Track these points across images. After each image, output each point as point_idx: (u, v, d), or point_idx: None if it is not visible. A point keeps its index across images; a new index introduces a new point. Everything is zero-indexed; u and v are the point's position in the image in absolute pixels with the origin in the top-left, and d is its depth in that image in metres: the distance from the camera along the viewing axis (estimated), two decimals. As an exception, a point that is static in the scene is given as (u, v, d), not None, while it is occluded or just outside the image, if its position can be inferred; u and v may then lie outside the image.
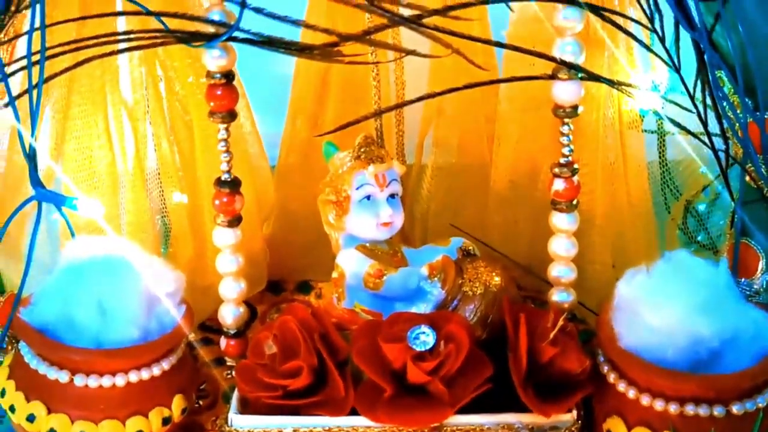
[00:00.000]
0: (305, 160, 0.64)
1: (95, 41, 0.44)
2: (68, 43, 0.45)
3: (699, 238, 0.58)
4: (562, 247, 0.52)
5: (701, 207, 0.57)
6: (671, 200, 0.58)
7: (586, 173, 0.55)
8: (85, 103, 0.51)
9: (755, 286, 0.53)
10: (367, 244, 0.55)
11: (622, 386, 0.49)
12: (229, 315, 0.53)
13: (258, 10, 0.41)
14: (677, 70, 0.47)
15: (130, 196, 0.55)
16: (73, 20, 0.45)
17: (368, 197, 0.54)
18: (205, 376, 0.57)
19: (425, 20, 0.42)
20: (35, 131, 0.45)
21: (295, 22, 0.41)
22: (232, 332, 0.54)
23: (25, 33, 0.44)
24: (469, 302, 0.53)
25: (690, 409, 0.46)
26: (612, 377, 0.49)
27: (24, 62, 0.45)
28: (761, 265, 0.53)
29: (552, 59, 0.47)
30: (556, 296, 0.53)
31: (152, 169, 0.58)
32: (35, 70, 0.43)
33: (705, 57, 0.46)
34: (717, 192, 0.56)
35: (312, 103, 0.62)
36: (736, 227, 0.52)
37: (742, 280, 0.54)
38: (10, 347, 0.54)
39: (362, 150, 0.54)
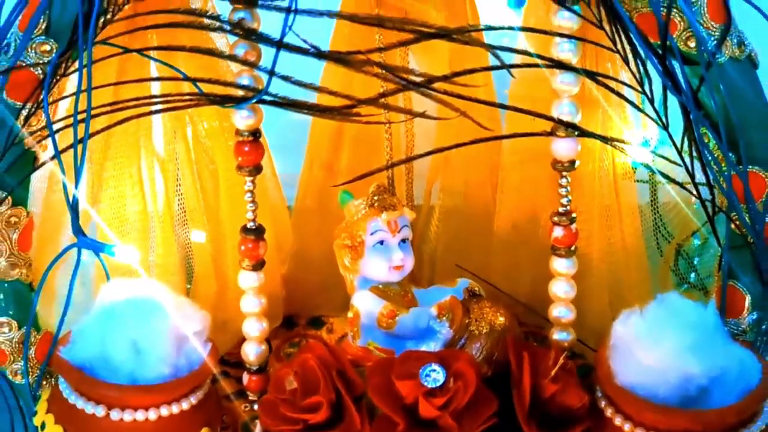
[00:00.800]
0: (321, 204, 0.68)
1: (135, 102, 0.49)
2: (110, 104, 0.49)
3: (690, 278, 0.62)
4: (561, 289, 0.56)
5: (691, 250, 0.61)
6: (663, 244, 0.62)
7: (583, 219, 0.59)
8: (120, 155, 0.55)
9: (742, 326, 0.57)
10: (380, 286, 0.59)
11: (618, 420, 0.52)
12: (252, 352, 0.57)
13: (285, 78, 0.45)
14: (665, 127, 0.51)
15: (159, 240, 0.59)
16: (116, 84, 0.49)
17: (381, 242, 0.58)
18: (225, 409, 0.61)
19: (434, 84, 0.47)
20: (79, 184, 0.49)
21: (319, 89, 0.46)
22: (254, 368, 0.57)
23: (72, 94, 0.48)
24: (475, 341, 0.57)
25: (681, 443, 0.50)
26: (609, 412, 0.53)
27: (67, 120, 0.50)
28: (747, 305, 0.57)
29: (550, 119, 0.51)
30: (557, 335, 0.57)
31: (179, 212, 0.62)
32: (80, 127, 0.48)
33: (690, 116, 0.50)
34: (705, 237, 0.60)
35: (327, 150, 0.66)
36: (723, 271, 0.56)
37: (730, 320, 0.57)
38: (45, 383, 0.58)
39: (375, 198, 0.59)
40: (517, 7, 0.63)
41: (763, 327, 0.58)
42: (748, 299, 0.56)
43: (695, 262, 0.61)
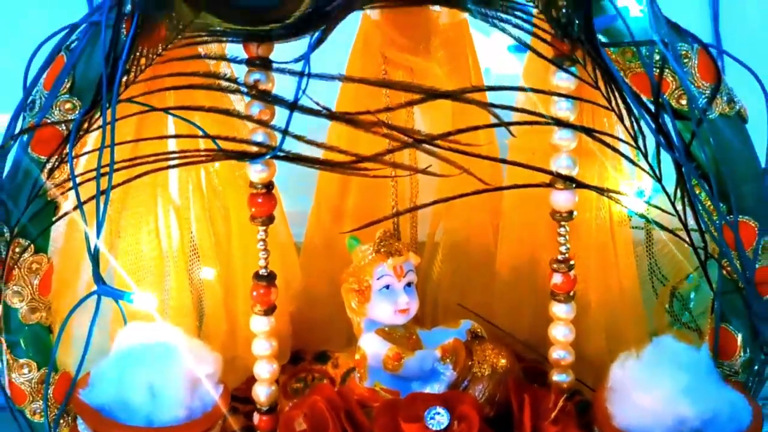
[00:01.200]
0: (328, 245, 0.70)
1: (155, 158, 0.51)
2: (130, 159, 0.52)
3: (684, 319, 0.65)
4: (561, 333, 0.58)
5: (685, 292, 0.64)
6: (659, 286, 0.65)
7: (582, 264, 0.62)
8: (138, 205, 0.58)
9: (735, 367, 0.59)
10: (386, 328, 0.62)
11: None
12: (263, 393, 0.59)
13: (299, 138, 0.48)
14: (659, 180, 0.53)
15: (173, 283, 0.62)
16: (137, 141, 0.52)
17: (387, 286, 0.61)
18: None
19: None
20: (100, 234, 0.51)
21: (330, 148, 0.48)
22: (265, 409, 0.59)
23: (95, 150, 0.51)
24: (478, 383, 0.59)
25: (676, 483, 0.52)
26: None
27: (89, 173, 0.53)
28: (739, 347, 0.59)
29: (549, 172, 0.53)
30: (556, 377, 0.59)
31: (192, 255, 0.65)
32: (102, 180, 0.50)
33: (683, 169, 0.53)
34: (698, 280, 0.62)
35: (335, 195, 0.69)
36: (715, 315, 0.58)
37: (723, 361, 0.60)
38: (63, 422, 0.60)
39: (382, 244, 0.61)
40: (517, 52, 0.66)
41: (755, 367, 0.60)
42: (739, 341, 0.59)
43: (689, 305, 0.63)
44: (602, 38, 0.52)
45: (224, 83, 0.49)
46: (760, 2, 0.81)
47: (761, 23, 0.82)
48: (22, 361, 0.58)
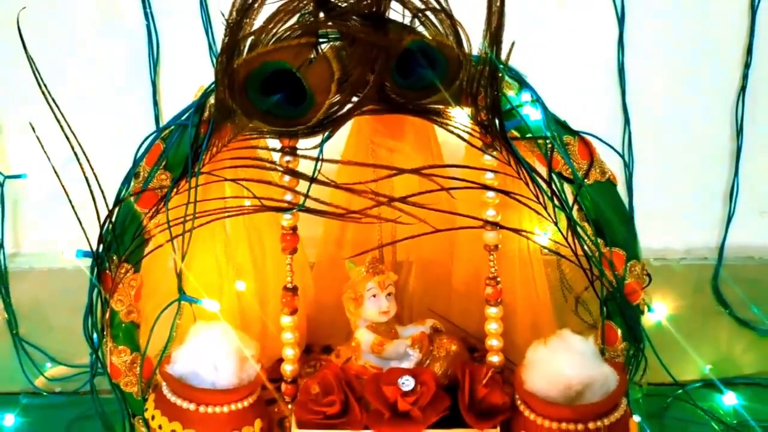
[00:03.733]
0: (332, 266, 0.95)
1: (220, 210, 0.77)
2: (204, 211, 0.77)
3: (585, 319, 0.90)
4: (492, 327, 0.83)
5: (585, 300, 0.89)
6: (567, 294, 0.91)
7: (510, 280, 0.87)
8: (204, 240, 0.83)
9: (616, 352, 0.83)
10: (374, 324, 0.86)
11: (527, 413, 0.78)
12: (288, 369, 0.84)
13: (317, 200, 0.73)
14: (556, 224, 0.78)
15: (226, 294, 0.87)
16: (210, 200, 0.77)
17: (374, 295, 0.86)
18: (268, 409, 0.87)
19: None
20: (183, 260, 0.77)
21: (337, 207, 0.74)
22: (290, 380, 0.85)
23: (183, 204, 0.76)
24: (436, 361, 0.84)
25: (564, 426, 0.77)
26: (521, 407, 0.79)
27: (175, 220, 0.78)
28: (619, 338, 0.84)
29: (482, 219, 0.79)
30: (490, 358, 0.84)
31: (236, 273, 0.91)
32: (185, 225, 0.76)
33: (570, 221, 0.78)
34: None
35: (337, 231, 0.94)
36: (602, 316, 0.83)
37: (609, 347, 0.85)
38: (149, 391, 0.85)
39: (370, 266, 0.86)
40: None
41: (630, 353, 0.85)
42: (619, 334, 0.84)
43: (588, 308, 0.89)
44: (516, 133, 0.77)
45: (267, 164, 0.75)
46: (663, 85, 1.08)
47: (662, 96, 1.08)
48: (121, 347, 0.83)
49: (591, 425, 0.76)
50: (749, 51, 1.05)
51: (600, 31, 1.04)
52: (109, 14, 1.04)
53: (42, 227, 1.13)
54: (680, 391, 1.11)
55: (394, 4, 0.68)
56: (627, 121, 1.08)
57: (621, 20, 1.04)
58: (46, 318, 1.13)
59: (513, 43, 0.69)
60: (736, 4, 1.03)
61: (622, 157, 0.81)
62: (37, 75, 0.72)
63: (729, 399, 1.10)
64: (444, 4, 0.68)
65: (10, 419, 1.09)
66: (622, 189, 0.82)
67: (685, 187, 1.11)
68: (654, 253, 1.12)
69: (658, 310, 1.08)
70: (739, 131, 1.08)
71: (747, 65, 1.06)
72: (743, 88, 1.07)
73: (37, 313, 1.12)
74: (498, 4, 0.66)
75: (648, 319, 1.08)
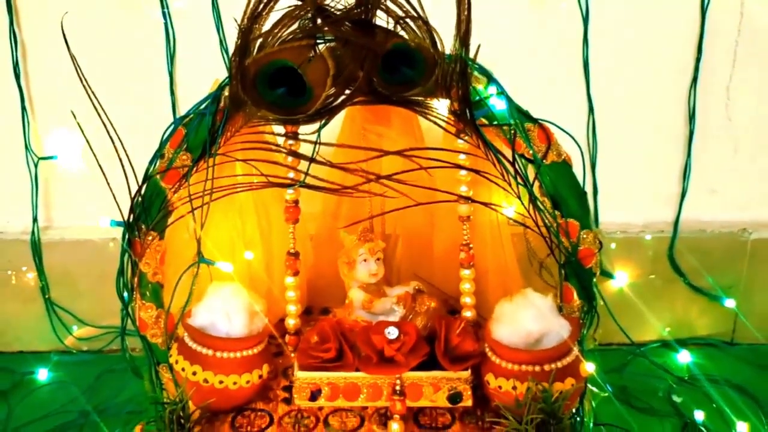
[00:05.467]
0: (329, 237, 1.09)
1: (232, 185, 0.90)
2: (218, 187, 0.90)
3: (547, 281, 1.04)
4: (465, 287, 0.97)
5: (547, 264, 1.02)
6: (532, 260, 1.04)
7: (482, 247, 1.01)
8: (219, 211, 0.96)
9: (573, 309, 0.96)
10: (364, 285, 1.00)
11: (493, 358, 0.92)
12: (291, 322, 0.98)
13: (315, 177, 0.87)
14: (519, 198, 0.91)
15: (238, 258, 1.01)
16: (224, 177, 0.90)
17: (365, 260, 1.00)
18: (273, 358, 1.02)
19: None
20: (202, 228, 0.90)
21: (333, 184, 0.87)
22: (292, 332, 0.99)
23: (201, 181, 0.89)
24: (417, 316, 0.98)
25: (524, 368, 0.91)
26: (489, 353, 0.93)
27: (195, 195, 0.91)
28: (575, 297, 0.97)
29: (456, 194, 0.92)
30: (464, 313, 0.98)
31: (246, 241, 1.04)
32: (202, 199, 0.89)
33: (531, 196, 0.91)
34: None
35: (333, 205, 1.07)
36: (560, 277, 0.96)
37: (566, 305, 0.98)
38: (172, 341, 0.98)
39: (362, 235, 1.00)
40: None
41: (585, 309, 0.98)
42: (575, 293, 0.97)
43: (550, 270, 1.03)
44: (485, 120, 0.90)
45: (273, 146, 0.88)
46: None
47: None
48: (148, 304, 0.96)
49: (546, 367, 0.89)
50: (699, 48, 1.18)
51: (567, 30, 1.17)
52: (132, 15, 1.17)
53: (70, 203, 1.26)
54: (639, 350, 1.25)
55: (379, 13, 0.81)
56: (591, 110, 1.21)
57: (585, 20, 1.16)
58: (74, 284, 1.26)
59: (479, 46, 0.82)
60: (688, 8, 1.16)
61: (576, 141, 0.93)
62: (79, 71, 0.85)
63: (683, 357, 1.24)
64: (421, 13, 0.81)
65: (43, 374, 1.23)
66: (578, 169, 0.95)
67: (644, 167, 1.24)
68: (616, 227, 1.25)
69: (620, 278, 1.23)
70: (691, 118, 1.21)
71: (697, 60, 1.18)
72: (694, 80, 1.19)
73: (67, 279, 1.26)
74: (465, 13, 0.79)
75: (611, 286, 1.23)
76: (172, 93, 1.19)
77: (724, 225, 1.24)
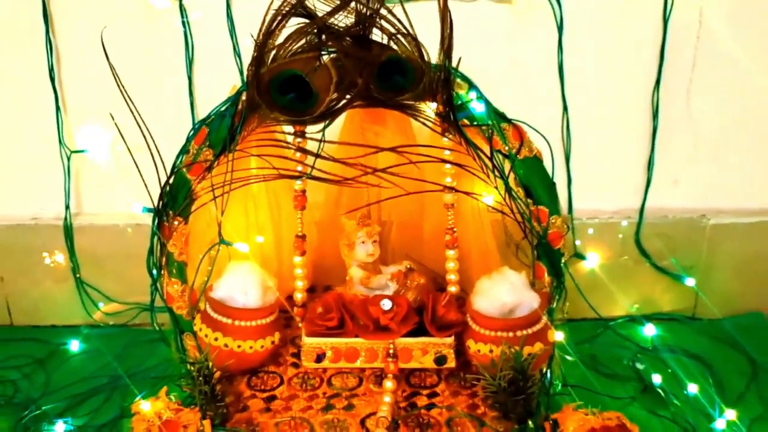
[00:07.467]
0: (332, 222, 1.22)
1: (246, 176, 1.04)
2: (237, 179, 1.04)
3: (523, 260, 1.18)
4: (450, 266, 1.11)
5: (523, 245, 1.16)
6: (509, 242, 1.18)
7: (465, 231, 1.15)
8: (236, 200, 1.10)
9: (544, 285, 1.10)
10: (362, 264, 1.14)
11: (473, 326, 1.07)
12: (299, 297, 1.13)
13: (321, 170, 1.01)
14: (497, 188, 1.05)
15: (251, 243, 1.15)
16: (241, 170, 1.04)
17: (363, 242, 1.14)
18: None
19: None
20: (222, 215, 1.04)
21: (336, 176, 1.01)
22: (300, 305, 1.13)
23: (222, 173, 1.03)
24: (409, 291, 1.12)
25: (499, 334, 1.05)
26: (470, 322, 1.08)
27: (216, 185, 1.05)
28: (546, 274, 1.11)
29: (442, 185, 1.06)
30: (449, 288, 1.13)
31: (259, 226, 1.18)
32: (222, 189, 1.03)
33: (507, 187, 1.05)
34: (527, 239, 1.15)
35: (335, 194, 1.21)
36: (533, 256, 1.10)
37: (538, 280, 1.12)
38: (195, 312, 1.12)
39: (360, 220, 1.13)
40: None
41: (554, 285, 1.12)
42: (546, 271, 1.11)
43: (525, 252, 1.17)
44: (466, 121, 1.04)
45: (283, 143, 1.02)
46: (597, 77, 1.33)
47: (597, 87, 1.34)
48: (174, 280, 1.10)
49: (518, 333, 1.03)
50: (662, 53, 1.30)
51: (543, 37, 1.29)
52: (155, 25, 1.30)
53: (98, 192, 1.40)
54: (609, 324, 1.38)
55: (375, 30, 0.94)
56: (566, 109, 1.34)
57: (560, 28, 1.30)
58: (102, 264, 1.39)
59: (460, 59, 0.96)
60: (651, 18, 1.29)
61: (545, 138, 1.06)
62: (115, 73, 0.98)
63: (648, 330, 1.36)
64: (410, 30, 0.95)
65: (75, 345, 1.37)
66: (548, 163, 1.08)
67: (613, 160, 1.36)
68: (588, 213, 1.38)
69: (591, 260, 1.36)
70: (655, 116, 1.34)
71: (660, 63, 1.31)
72: (658, 82, 1.31)
73: (95, 260, 1.38)
74: (448, 31, 0.92)
75: (583, 267, 1.36)
76: (191, 94, 1.32)
77: (685, 211, 1.36)
